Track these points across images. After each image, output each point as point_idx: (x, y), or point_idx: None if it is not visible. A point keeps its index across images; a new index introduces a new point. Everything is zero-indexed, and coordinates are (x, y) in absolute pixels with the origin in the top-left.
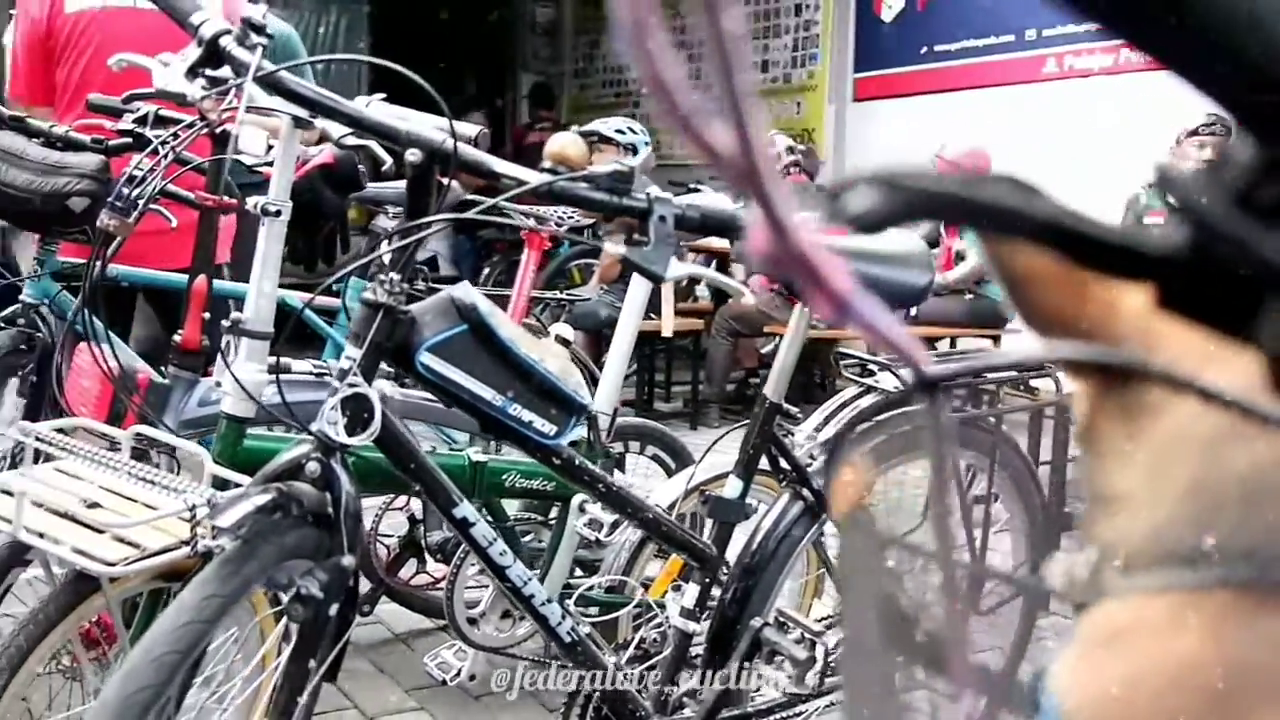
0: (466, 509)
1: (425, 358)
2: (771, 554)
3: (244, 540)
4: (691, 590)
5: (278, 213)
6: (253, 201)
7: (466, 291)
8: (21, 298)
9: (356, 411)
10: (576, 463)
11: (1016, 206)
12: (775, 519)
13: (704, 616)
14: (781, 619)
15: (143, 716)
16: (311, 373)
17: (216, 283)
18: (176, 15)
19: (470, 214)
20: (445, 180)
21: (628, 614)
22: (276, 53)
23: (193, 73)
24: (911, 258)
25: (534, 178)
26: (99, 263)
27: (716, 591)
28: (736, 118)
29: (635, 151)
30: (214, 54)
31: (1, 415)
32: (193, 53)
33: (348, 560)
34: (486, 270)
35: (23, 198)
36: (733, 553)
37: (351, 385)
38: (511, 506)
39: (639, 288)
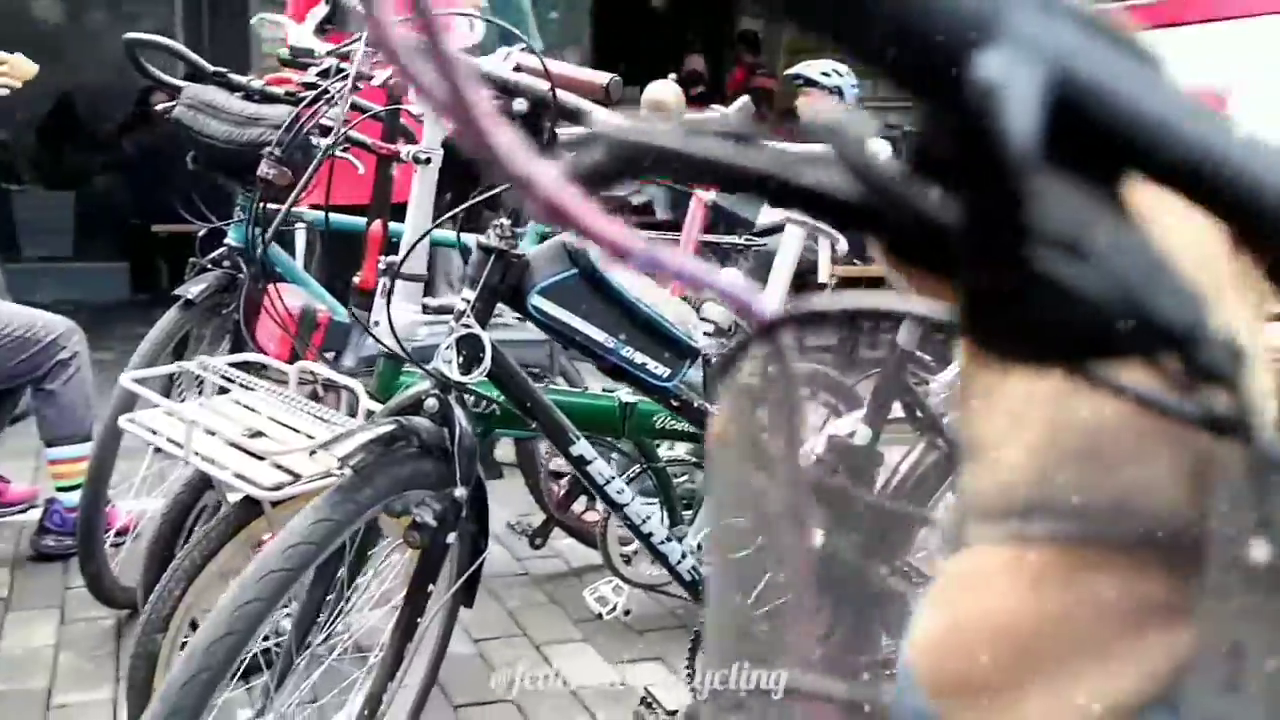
0: (583, 447)
1: (536, 300)
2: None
3: (360, 469)
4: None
5: (428, 160)
6: (406, 150)
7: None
8: (226, 241)
9: (471, 351)
10: (695, 404)
11: (725, 159)
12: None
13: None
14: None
15: (253, 626)
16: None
17: (393, 225)
18: None
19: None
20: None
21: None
22: (496, 8)
23: (320, 30)
24: None
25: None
26: (266, 205)
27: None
28: (445, 72)
29: (841, 95)
30: (337, 11)
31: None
32: (321, 11)
33: (460, 491)
34: None
35: (220, 148)
36: None
37: (465, 326)
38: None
39: (792, 234)
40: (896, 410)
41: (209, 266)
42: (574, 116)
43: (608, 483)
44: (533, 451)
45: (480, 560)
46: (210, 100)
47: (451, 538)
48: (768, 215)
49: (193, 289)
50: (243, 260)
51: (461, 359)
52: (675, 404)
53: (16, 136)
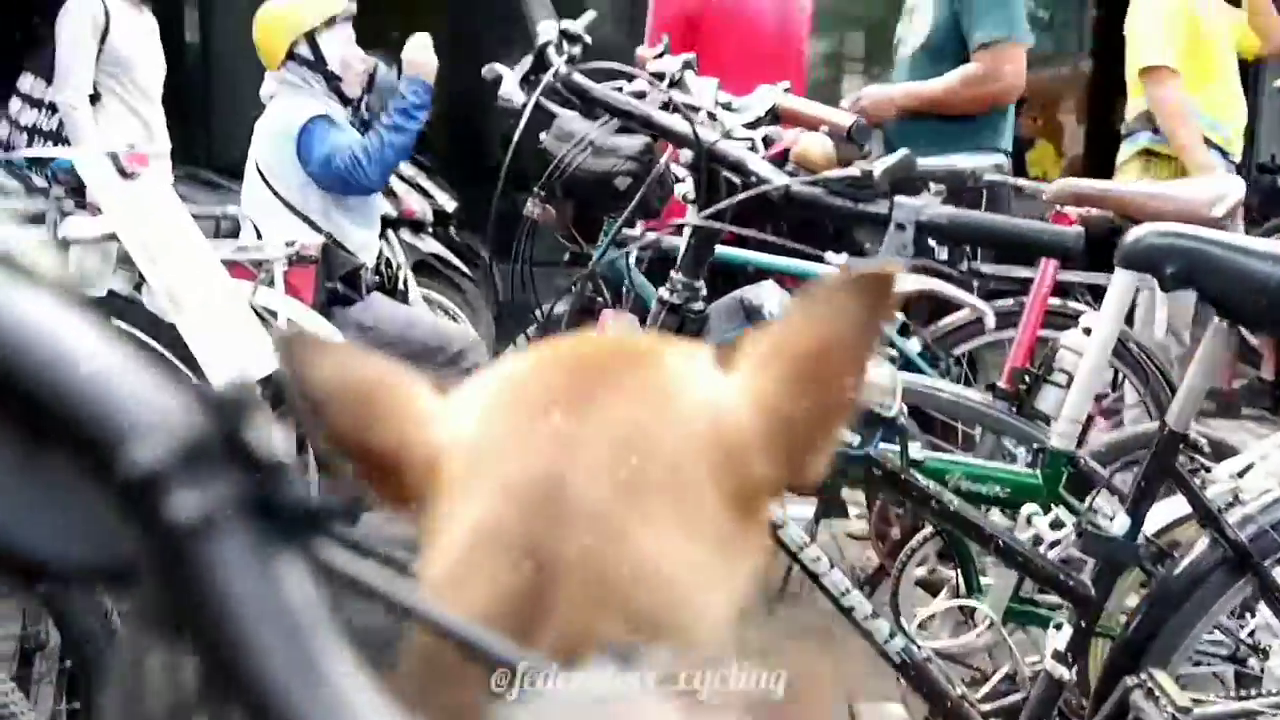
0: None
1: None
2: (1173, 608)
3: None
4: (1066, 632)
5: None
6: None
7: (758, 292)
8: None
9: None
10: (901, 476)
11: None
12: (1184, 568)
13: (1078, 666)
14: (1152, 686)
15: None
16: None
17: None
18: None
19: (701, 216)
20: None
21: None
22: None
23: (525, 81)
24: None
25: (779, 180)
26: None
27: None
28: None
29: None
30: (542, 62)
31: None
32: (526, 62)
33: None
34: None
35: (579, 178)
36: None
37: None
38: None
39: (1121, 284)
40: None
41: (571, 290)
42: (737, 169)
43: (801, 549)
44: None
45: None
46: (571, 130)
47: None
48: (903, 283)
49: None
50: (604, 284)
51: None
52: (878, 473)
53: None
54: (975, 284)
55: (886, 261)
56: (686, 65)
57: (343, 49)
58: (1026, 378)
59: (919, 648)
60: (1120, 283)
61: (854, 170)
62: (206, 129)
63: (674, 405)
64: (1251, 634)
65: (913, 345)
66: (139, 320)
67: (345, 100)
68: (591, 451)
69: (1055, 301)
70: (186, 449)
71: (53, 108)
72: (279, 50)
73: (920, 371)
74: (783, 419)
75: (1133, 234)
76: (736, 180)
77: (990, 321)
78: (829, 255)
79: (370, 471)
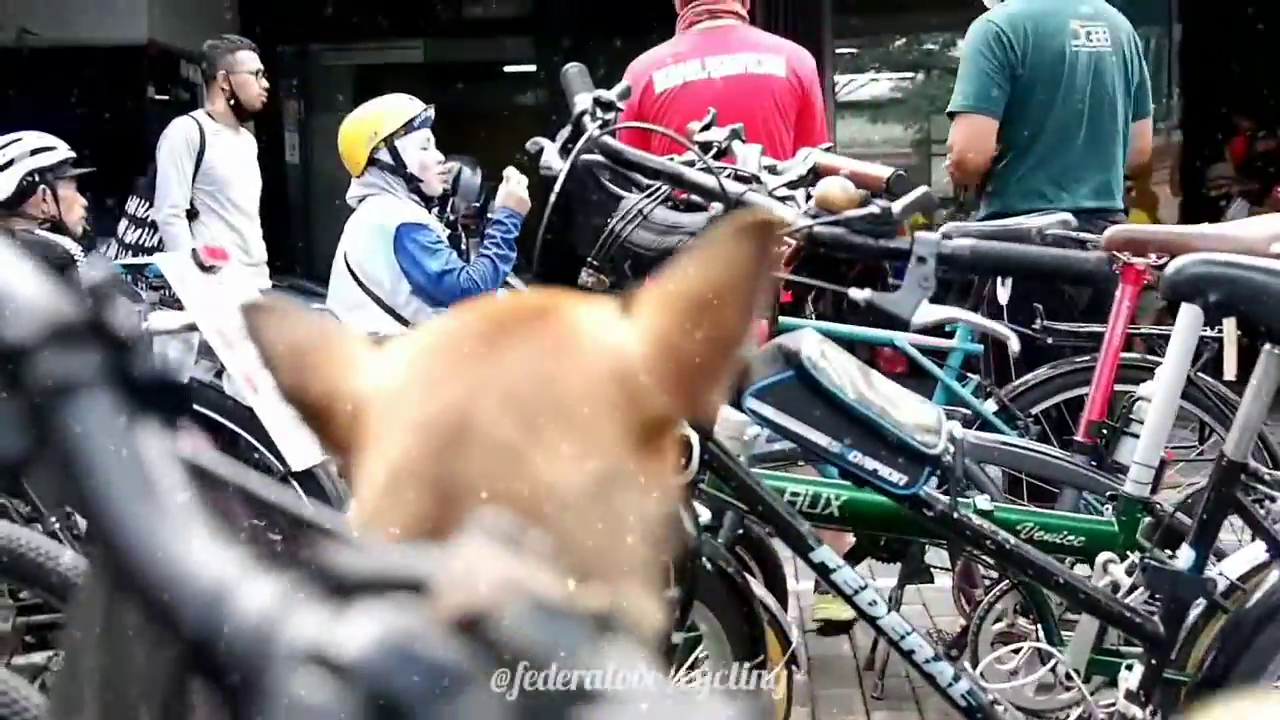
0: (824, 554)
1: (751, 402)
2: (1246, 644)
3: None
4: (1138, 671)
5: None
6: None
7: (796, 338)
8: None
9: (687, 452)
10: (955, 516)
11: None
12: (1256, 601)
13: (1151, 705)
14: None
15: None
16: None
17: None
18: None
19: None
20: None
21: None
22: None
23: (564, 150)
24: None
25: (797, 222)
26: None
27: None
28: None
29: None
30: (579, 132)
31: None
32: (564, 132)
33: (671, 591)
34: None
35: (646, 256)
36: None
37: (681, 430)
38: None
39: (1185, 324)
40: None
41: None
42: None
43: (856, 593)
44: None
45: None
46: (637, 208)
47: (677, 637)
48: (927, 313)
49: None
50: None
51: (686, 458)
52: (928, 514)
53: None
54: (1050, 341)
55: (764, 210)
56: (734, 134)
57: (420, 153)
58: (1104, 430)
59: (984, 690)
60: (1183, 323)
61: (874, 208)
62: (306, 242)
63: (574, 347)
64: None
65: (989, 406)
66: (220, 405)
67: (427, 201)
68: (495, 390)
69: (1134, 355)
70: (52, 327)
71: (154, 226)
72: (361, 157)
73: (998, 431)
74: (676, 356)
75: (1174, 264)
76: None
77: (1015, 347)
78: (852, 291)
79: (311, 421)
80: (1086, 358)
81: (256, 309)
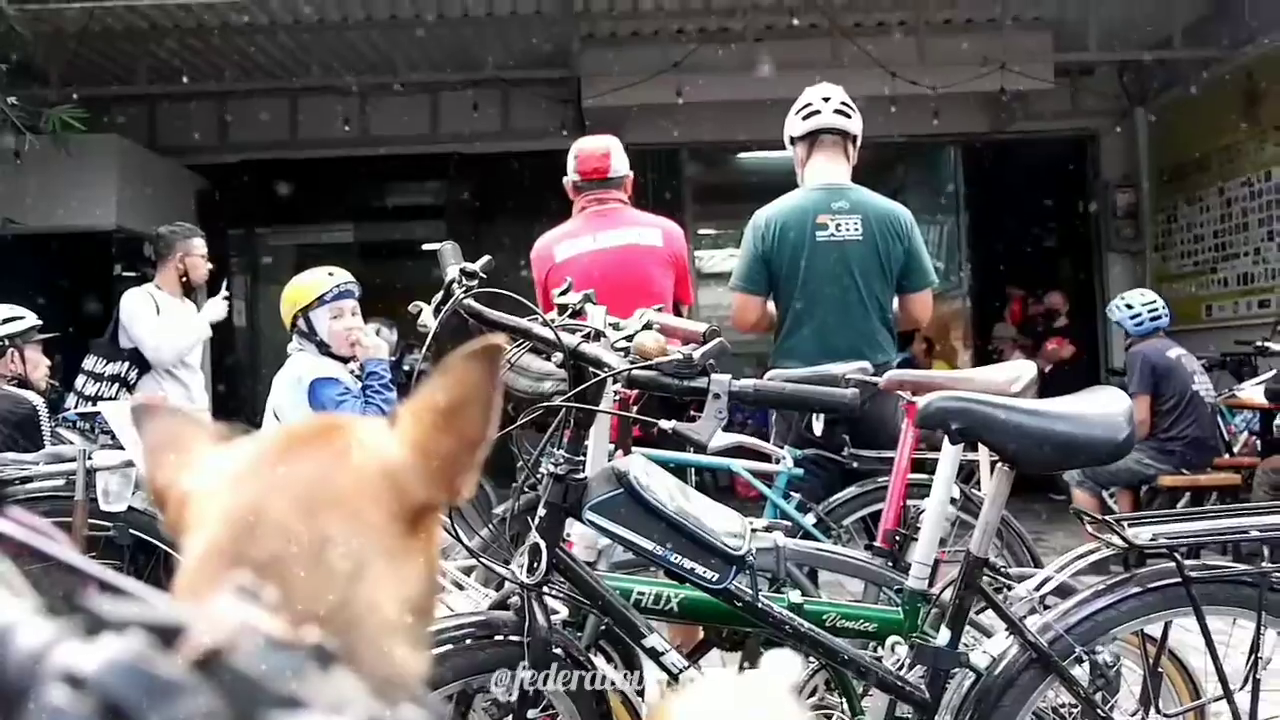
0: (654, 640)
1: (589, 515)
2: (993, 705)
3: (441, 653)
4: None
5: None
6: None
7: (627, 463)
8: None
9: (537, 557)
10: (759, 605)
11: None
12: (1000, 670)
13: None
14: None
15: None
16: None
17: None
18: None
19: (559, 400)
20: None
21: None
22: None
23: (437, 310)
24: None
25: (618, 366)
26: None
27: None
28: None
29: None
30: (448, 296)
31: None
32: (437, 296)
33: (527, 674)
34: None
35: (523, 398)
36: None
37: (533, 540)
38: None
39: (947, 451)
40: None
41: (525, 490)
42: (594, 363)
43: (681, 671)
44: None
45: None
46: (521, 362)
47: (531, 714)
48: (720, 439)
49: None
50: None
51: (532, 565)
52: (739, 604)
53: None
54: (856, 464)
55: (490, 338)
56: (586, 298)
57: (329, 322)
58: (897, 537)
59: None
60: (946, 450)
61: (678, 355)
62: (252, 393)
63: (348, 454)
64: None
65: (809, 519)
66: (154, 531)
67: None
68: (284, 489)
69: (921, 476)
70: None
71: (111, 379)
72: (286, 321)
73: (815, 539)
74: (430, 453)
75: (923, 400)
76: (600, 372)
77: (789, 463)
78: (661, 422)
79: (160, 505)
80: (884, 478)
81: (143, 409)
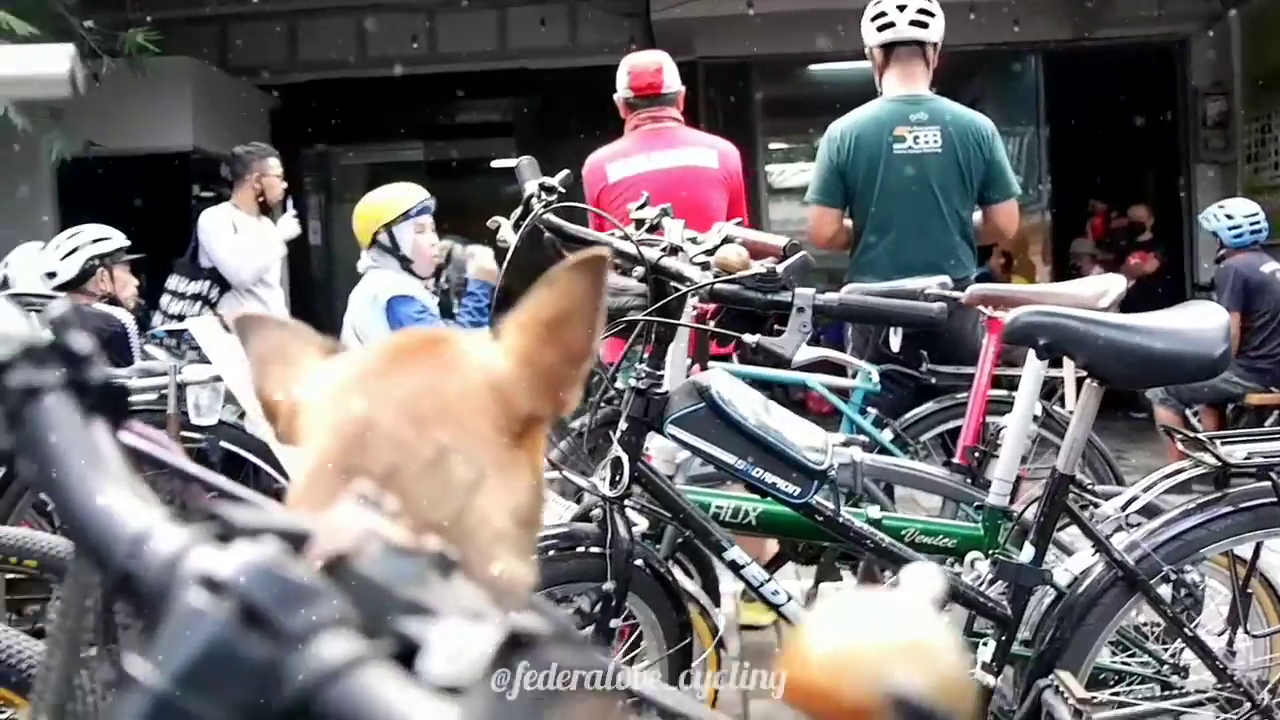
0: (735, 553)
1: (671, 428)
2: (1076, 623)
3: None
4: (991, 646)
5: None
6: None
7: (708, 377)
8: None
9: (619, 471)
10: (840, 520)
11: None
12: (1084, 589)
13: (1000, 673)
14: (1059, 685)
15: None
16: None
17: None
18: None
19: (641, 315)
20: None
21: None
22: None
23: (516, 225)
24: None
25: (700, 280)
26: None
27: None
28: None
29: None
30: (528, 211)
31: None
32: (516, 212)
33: (609, 585)
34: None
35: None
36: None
37: (615, 453)
38: None
39: (1031, 367)
40: None
41: (602, 405)
42: (676, 277)
43: (762, 585)
44: None
45: (685, 643)
46: None
47: (614, 623)
48: (804, 353)
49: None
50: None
51: (614, 478)
52: (818, 519)
53: None
54: (934, 380)
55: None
56: (663, 212)
57: (413, 238)
58: (976, 454)
59: None
60: (1029, 366)
61: (762, 268)
62: (327, 309)
63: (455, 365)
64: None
65: (886, 434)
66: (243, 442)
67: (420, 276)
68: (395, 400)
69: (1001, 392)
70: (23, 347)
71: (192, 298)
72: (365, 237)
73: (892, 454)
74: (534, 366)
75: (1011, 315)
76: (683, 286)
77: (875, 378)
78: (745, 336)
79: (269, 418)
80: (963, 394)
81: (247, 321)
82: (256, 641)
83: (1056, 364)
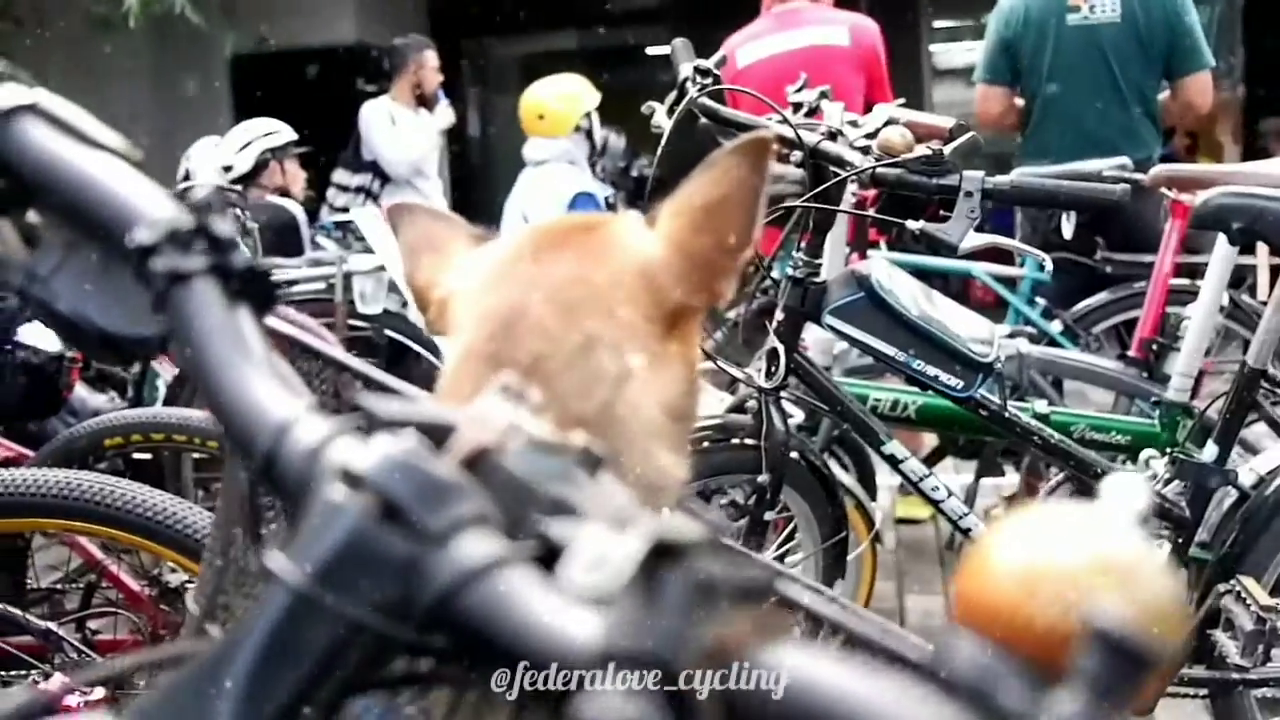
0: (894, 447)
1: (829, 319)
2: (1263, 526)
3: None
4: (1165, 549)
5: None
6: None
7: (868, 264)
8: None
9: (775, 362)
10: (1005, 415)
11: None
12: (1274, 489)
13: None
14: (1241, 590)
15: None
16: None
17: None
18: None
19: (799, 202)
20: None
21: None
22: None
23: (670, 110)
24: None
25: (862, 164)
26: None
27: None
28: None
29: None
30: (682, 95)
31: None
32: (671, 96)
33: (763, 477)
34: None
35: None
36: None
37: (771, 344)
38: None
39: (1219, 253)
40: None
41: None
42: (836, 161)
43: (921, 480)
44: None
45: (840, 537)
46: None
47: (768, 516)
48: (972, 240)
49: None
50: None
51: (771, 370)
52: (984, 414)
53: None
54: (1109, 269)
55: (761, 131)
56: (822, 95)
57: (601, 130)
58: (1154, 346)
59: None
60: (1217, 252)
61: (927, 151)
62: (486, 199)
63: (605, 252)
64: None
65: (1055, 326)
66: (405, 331)
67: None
68: (543, 287)
69: (1182, 281)
70: (169, 232)
71: (356, 190)
72: (565, 126)
73: (1061, 347)
74: (689, 253)
75: (1201, 197)
76: (842, 172)
77: (1049, 265)
78: (908, 222)
79: (420, 307)
80: (1141, 283)
81: (399, 210)
82: (396, 538)
83: (1248, 250)
